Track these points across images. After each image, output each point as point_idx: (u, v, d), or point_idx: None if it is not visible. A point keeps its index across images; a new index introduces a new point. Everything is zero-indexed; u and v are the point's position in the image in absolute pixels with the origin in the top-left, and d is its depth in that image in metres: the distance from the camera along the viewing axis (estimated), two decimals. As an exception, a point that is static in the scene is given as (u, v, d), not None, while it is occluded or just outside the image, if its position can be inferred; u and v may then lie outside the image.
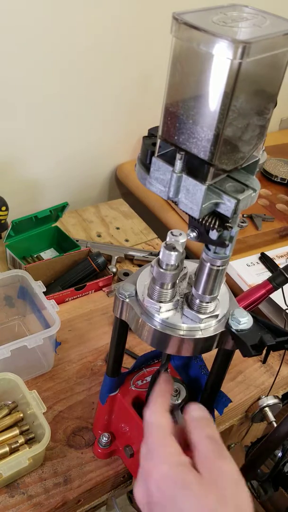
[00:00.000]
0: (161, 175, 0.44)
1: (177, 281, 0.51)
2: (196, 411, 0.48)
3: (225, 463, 0.43)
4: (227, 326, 0.51)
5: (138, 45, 1.17)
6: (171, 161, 0.43)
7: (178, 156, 0.42)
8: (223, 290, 0.54)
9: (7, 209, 1.05)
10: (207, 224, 0.44)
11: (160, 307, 0.50)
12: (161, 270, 0.48)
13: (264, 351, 0.51)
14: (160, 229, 1.19)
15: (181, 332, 0.50)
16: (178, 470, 0.43)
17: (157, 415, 0.48)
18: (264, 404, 0.87)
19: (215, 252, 0.48)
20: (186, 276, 0.55)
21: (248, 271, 1.06)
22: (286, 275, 0.79)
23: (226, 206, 0.43)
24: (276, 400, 0.88)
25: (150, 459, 0.45)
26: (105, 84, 1.18)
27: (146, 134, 0.51)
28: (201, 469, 0.43)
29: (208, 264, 0.48)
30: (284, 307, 0.94)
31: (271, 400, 0.87)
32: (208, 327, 0.51)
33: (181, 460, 0.44)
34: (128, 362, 0.85)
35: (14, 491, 0.67)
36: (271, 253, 1.11)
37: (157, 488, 0.43)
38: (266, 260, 1.09)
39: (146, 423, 0.48)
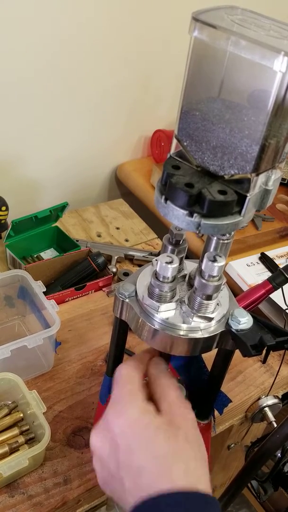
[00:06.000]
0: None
1: (177, 281, 0.51)
2: (154, 368, 0.51)
3: (187, 411, 0.47)
4: (227, 326, 0.51)
5: (138, 45, 1.17)
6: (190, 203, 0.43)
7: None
8: (223, 290, 0.54)
9: (7, 209, 1.05)
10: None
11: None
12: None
13: (264, 351, 0.51)
14: (160, 229, 1.19)
15: (181, 332, 0.50)
16: (147, 415, 0.45)
17: (129, 368, 0.50)
18: (264, 404, 0.87)
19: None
20: (186, 276, 0.55)
21: (248, 271, 1.06)
22: (286, 275, 0.79)
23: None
24: (276, 400, 0.88)
25: (118, 406, 0.46)
26: (105, 83, 1.18)
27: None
28: (167, 415, 0.45)
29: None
30: (284, 307, 0.94)
31: (271, 400, 0.87)
32: (208, 327, 0.51)
33: (149, 408, 0.46)
34: (128, 362, 0.85)
35: (14, 491, 0.67)
36: (271, 253, 1.11)
37: (123, 432, 0.44)
38: (266, 260, 1.09)
39: (116, 375, 0.49)
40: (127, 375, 0.49)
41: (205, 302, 0.49)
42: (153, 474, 0.42)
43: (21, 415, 0.72)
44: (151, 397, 0.49)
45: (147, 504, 0.40)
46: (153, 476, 0.42)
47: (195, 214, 0.42)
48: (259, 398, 0.87)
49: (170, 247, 0.53)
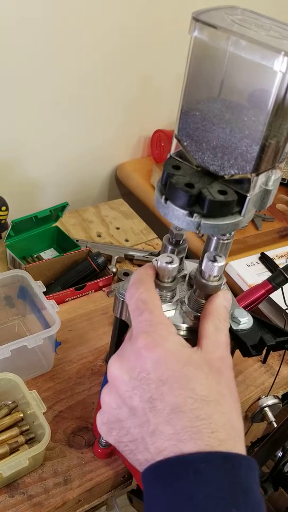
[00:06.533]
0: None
1: (177, 281, 0.51)
2: (223, 301, 0.45)
3: (230, 356, 0.42)
4: (227, 326, 0.51)
5: (138, 45, 1.17)
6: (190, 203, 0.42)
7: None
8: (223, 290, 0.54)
9: (7, 209, 1.05)
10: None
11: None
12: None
13: (264, 351, 0.51)
14: (160, 229, 1.19)
15: (181, 332, 0.50)
16: (187, 350, 0.39)
17: (149, 295, 0.42)
18: (264, 404, 0.87)
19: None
20: (186, 276, 0.55)
21: (248, 271, 1.06)
22: (286, 275, 0.79)
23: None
24: (276, 400, 0.88)
25: (150, 337, 0.39)
26: (105, 83, 1.18)
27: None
28: (208, 355, 0.40)
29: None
30: (284, 307, 0.94)
31: (271, 400, 0.87)
32: (208, 327, 0.51)
33: (185, 342, 0.40)
34: (128, 362, 0.85)
35: (14, 491, 0.67)
36: (271, 253, 1.11)
37: (158, 365, 0.37)
38: (266, 260, 1.09)
39: (136, 301, 0.42)
40: (152, 302, 0.41)
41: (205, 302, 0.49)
42: (190, 419, 0.36)
43: (21, 415, 0.72)
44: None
45: (180, 461, 0.35)
46: (189, 423, 0.36)
47: (195, 214, 0.42)
48: (259, 398, 0.87)
49: (170, 247, 0.53)
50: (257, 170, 0.42)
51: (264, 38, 0.38)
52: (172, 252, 0.53)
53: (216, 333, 0.42)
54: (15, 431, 0.70)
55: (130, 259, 1.09)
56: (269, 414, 0.87)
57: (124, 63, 1.17)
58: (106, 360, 0.85)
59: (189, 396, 0.37)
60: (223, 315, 0.44)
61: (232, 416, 0.38)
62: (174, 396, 0.37)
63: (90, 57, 1.11)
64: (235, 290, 1.03)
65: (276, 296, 0.90)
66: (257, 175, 0.43)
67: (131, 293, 0.43)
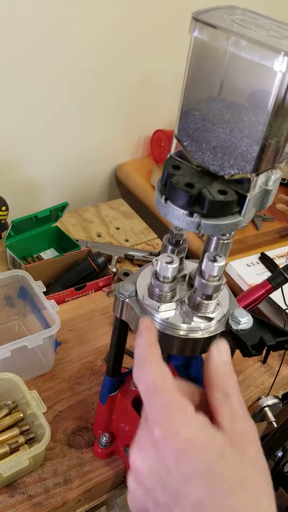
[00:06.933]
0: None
1: (177, 281, 0.51)
2: (220, 356, 0.41)
3: (250, 424, 0.39)
4: (227, 326, 0.51)
5: (138, 46, 1.17)
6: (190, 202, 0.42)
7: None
8: (223, 290, 0.54)
9: (7, 209, 1.05)
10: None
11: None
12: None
13: (264, 351, 0.51)
14: (160, 229, 1.19)
15: (181, 332, 0.50)
16: (205, 433, 0.37)
17: (158, 373, 0.39)
18: (264, 404, 0.87)
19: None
20: (186, 276, 0.55)
21: (248, 271, 1.06)
22: (286, 275, 0.79)
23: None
24: (276, 400, 0.88)
25: (166, 424, 0.37)
26: (105, 84, 1.18)
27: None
28: (228, 432, 0.37)
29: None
30: (284, 307, 0.94)
31: (271, 400, 0.87)
32: (208, 327, 0.51)
33: (205, 421, 0.37)
34: (128, 362, 0.84)
35: (14, 491, 0.67)
36: (271, 253, 1.11)
37: (177, 457, 0.36)
38: (266, 260, 1.09)
39: (146, 383, 0.39)
40: (162, 384, 0.39)
41: (205, 302, 0.49)
42: None
43: (21, 415, 0.72)
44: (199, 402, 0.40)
45: None
46: None
47: (195, 214, 0.42)
48: (259, 398, 0.87)
49: (170, 247, 0.53)
50: (257, 170, 0.42)
51: (264, 38, 0.38)
52: (172, 252, 0.53)
53: (227, 400, 0.39)
54: (15, 431, 0.70)
55: (130, 259, 1.09)
56: (269, 414, 0.87)
57: (124, 62, 1.17)
58: (106, 360, 0.86)
59: (213, 488, 0.35)
60: (224, 377, 0.41)
61: (261, 504, 0.36)
62: (198, 491, 0.35)
63: (90, 56, 1.11)
64: (235, 290, 1.03)
65: (276, 296, 0.90)
66: (257, 175, 0.43)
67: (137, 375, 0.40)
